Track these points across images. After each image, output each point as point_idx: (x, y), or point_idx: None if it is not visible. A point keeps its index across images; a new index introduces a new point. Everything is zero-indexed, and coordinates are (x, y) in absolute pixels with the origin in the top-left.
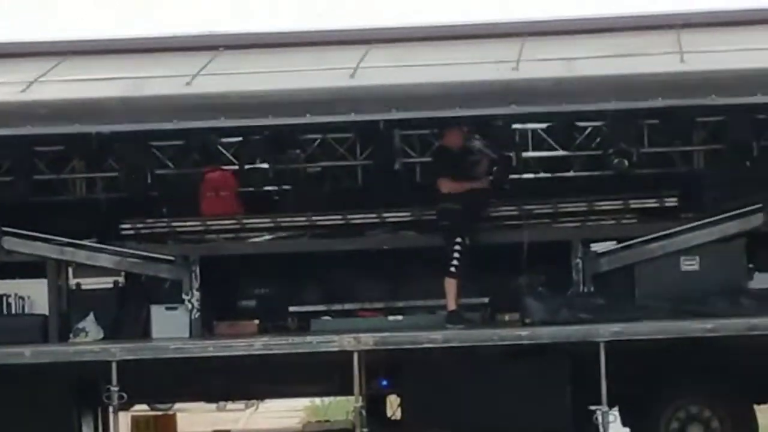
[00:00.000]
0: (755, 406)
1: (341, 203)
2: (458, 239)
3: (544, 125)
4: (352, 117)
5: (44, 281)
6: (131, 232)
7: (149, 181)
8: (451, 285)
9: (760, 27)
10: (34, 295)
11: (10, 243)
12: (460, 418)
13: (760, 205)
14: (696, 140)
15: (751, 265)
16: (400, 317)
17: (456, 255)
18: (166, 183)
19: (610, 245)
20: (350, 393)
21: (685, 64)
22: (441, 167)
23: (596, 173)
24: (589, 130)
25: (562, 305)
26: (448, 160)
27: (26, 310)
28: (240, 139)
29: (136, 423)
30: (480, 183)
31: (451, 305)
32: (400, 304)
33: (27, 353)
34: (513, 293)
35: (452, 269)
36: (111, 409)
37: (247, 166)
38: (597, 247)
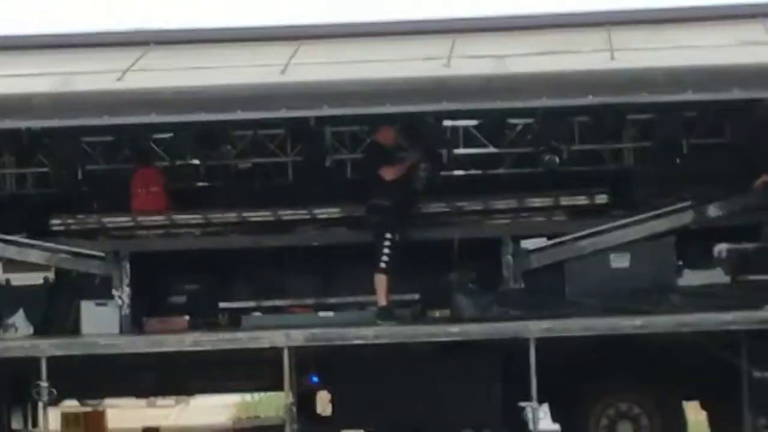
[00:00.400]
0: (685, 403)
1: (272, 199)
2: (388, 235)
3: (474, 122)
4: (283, 113)
5: None
6: (61, 227)
7: (79, 177)
8: (381, 281)
9: (690, 25)
10: None
11: None
12: (390, 415)
13: (689, 203)
14: (626, 138)
15: (680, 262)
16: (330, 313)
17: (386, 251)
18: (96, 179)
19: (540, 242)
20: (281, 389)
21: (616, 61)
22: (373, 164)
23: (527, 170)
24: (519, 127)
25: (492, 302)
26: (380, 157)
27: None
28: (171, 135)
29: (66, 419)
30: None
31: (382, 301)
32: (331, 300)
33: None
34: (443, 290)
35: (382, 265)
36: (40, 404)
37: (177, 162)
38: (527, 243)
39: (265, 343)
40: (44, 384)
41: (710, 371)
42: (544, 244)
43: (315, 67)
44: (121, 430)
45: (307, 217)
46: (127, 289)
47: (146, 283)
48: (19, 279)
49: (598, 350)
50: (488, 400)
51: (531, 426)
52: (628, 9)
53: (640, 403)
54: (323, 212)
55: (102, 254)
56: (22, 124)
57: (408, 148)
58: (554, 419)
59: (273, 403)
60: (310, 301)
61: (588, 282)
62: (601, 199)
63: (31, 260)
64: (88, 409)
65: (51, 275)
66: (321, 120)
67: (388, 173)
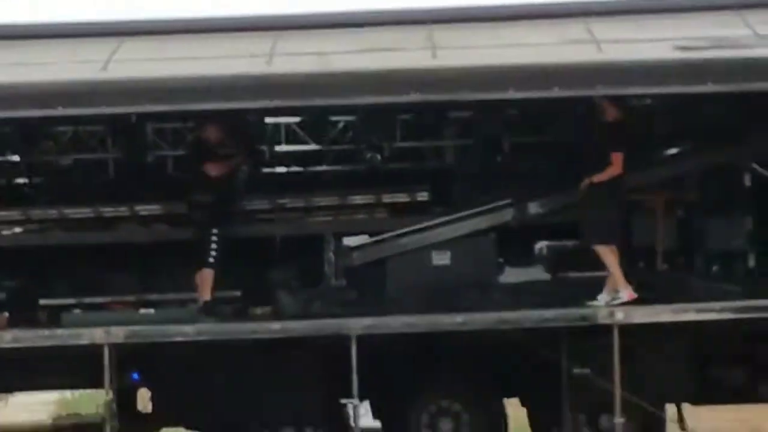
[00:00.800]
0: (505, 400)
1: (92, 196)
2: (214, 230)
3: (297, 119)
4: (104, 110)
5: None
6: None
7: None
8: (207, 276)
9: (513, 23)
10: None
11: None
12: (211, 412)
13: (510, 200)
14: (447, 135)
15: (501, 260)
16: (151, 310)
17: (213, 246)
18: None
19: (362, 239)
20: (101, 386)
21: (438, 59)
22: (197, 160)
23: (349, 168)
24: (341, 124)
25: (314, 299)
26: (204, 153)
27: None
28: None
29: None
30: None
31: (207, 296)
32: (152, 297)
33: None
34: (265, 287)
35: (210, 260)
36: None
37: None
38: (349, 241)
39: (84, 340)
40: None
41: (530, 368)
42: (365, 242)
43: (137, 63)
44: None
45: (128, 214)
46: None
47: None
48: None
49: (419, 347)
50: (309, 397)
51: (352, 423)
52: (450, 7)
53: (461, 400)
54: (144, 209)
55: None
56: None
57: (233, 145)
58: (375, 416)
59: (93, 400)
60: (130, 298)
61: (409, 279)
62: (423, 196)
63: None
64: None
65: None
66: (142, 117)
67: (214, 169)
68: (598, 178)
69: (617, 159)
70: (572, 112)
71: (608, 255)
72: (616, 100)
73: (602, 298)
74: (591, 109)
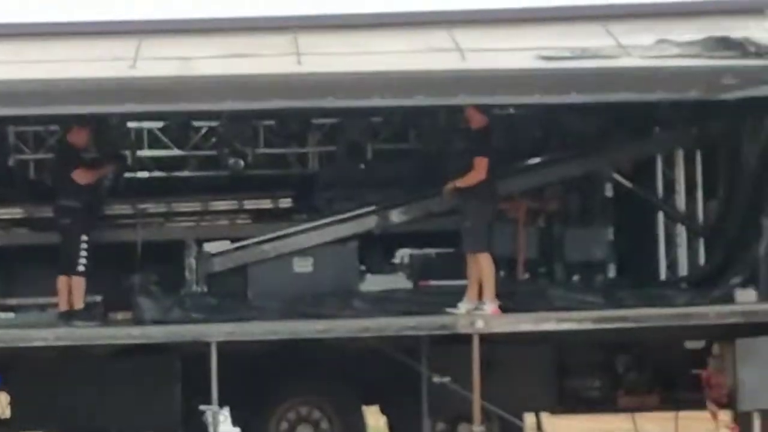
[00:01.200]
0: (365, 407)
1: None
2: (84, 237)
3: (159, 124)
4: None
5: None
6: None
7: None
8: (79, 283)
9: (378, 31)
10: None
11: None
12: (70, 417)
13: (372, 208)
14: (311, 142)
15: (363, 267)
16: (11, 315)
17: (83, 253)
18: None
19: (224, 245)
20: None
21: (302, 65)
22: (64, 164)
23: (211, 173)
24: (204, 129)
25: (174, 304)
26: (71, 158)
27: None
28: None
29: None
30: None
31: (79, 304)
32: (12, 301)
33: None
34: (126, 292)
35: (80, 268)
36: None
37: None
38: (211, 247)
39: None
40: None
41: (391, 376)
42: (227, 248)
43: None
44: None
45: None
46: None
47: None
48: None
49: (279, 354)
50: (168, 403)
51: (211, 429)
52: (316, 14)
53: (320, 407)
54: (5, 213)
55: None
56: None
57: (99, 150)
58: (235, 423)
59: None
60: None
61: (271, 286)
62: (285, 203)
63: None
64: None
65: None
66: (3, 119)
67: (84, 176)
68: (461, 183)
69: (481, 164)
70: (436, 120)
71: (486, 264)
72: (481, 107)
73: (462, 306)
74: (454, 117)
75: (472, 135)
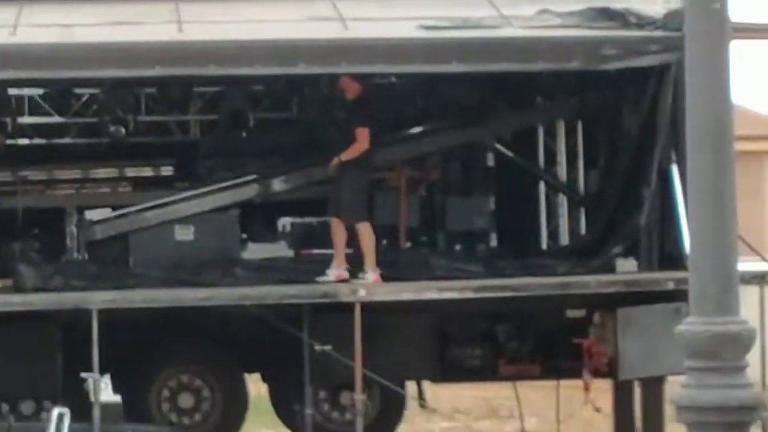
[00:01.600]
0: (246, 376)
1: None
2: None
3: (40, 91)
4: None
5: None
6: None
7: None
8: None
9: (260, 1)
10: None
11: None
12: None
13: (254, 176)
14: (193, 110)
15: (244, 236)
16: None
17: None
18: None
19: (105, 213)
20: None
21: (183, 33)
22: None
23: (92, 140)
24: (86, 97)
25: (55, 272)
26: None
27: None
28: None
29: None
30: None
31: None
32: None
33: None
34: (6, 259)
35: None
36: None
37: None
38: (92, 214)
39: None
40: None
41: (272, 344)
42: (108, 215)
43: None
44: None
45: None
46: None
47: None
48: None
49: (161, 322)
50: (48, 371)
51: (92, 397)
52: None
53: (202, 375)
54: None
55: None
56: None
57: None
58: (116, 391)
59: None
60: None
61: (152, 254)
62: (167, 171)
63: None
64: None
65: None
66: None
67: None
68: (345, 155)
69: (363, 134)
70: (318, 90)
71: (366, 233)
72: (358, 77)
73: (330, 272)
74: (336, 86)
75: (349, 105)
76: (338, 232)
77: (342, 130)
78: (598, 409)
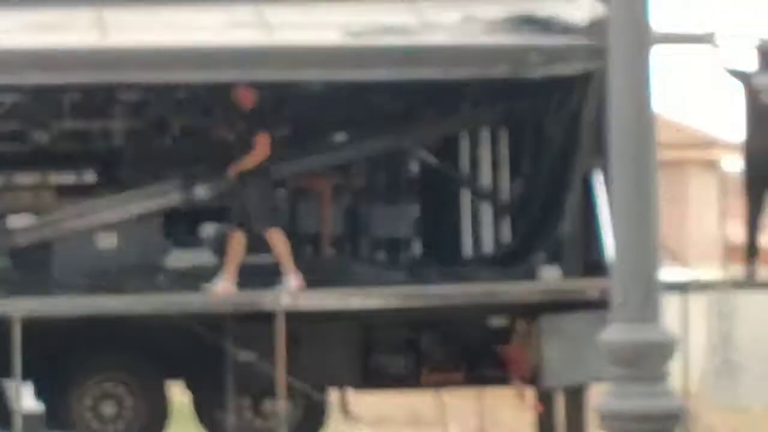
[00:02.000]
0: (169, 384)
1: None
2: None
3: None
4: None
5: None
6: None
7: None
8: None
9: (182, 6)
10: None
11: None
12: None
13: (177, 183)
14: (116, 116)
15: (168, 243)
16: None
17: None
18: None
19: (27, 220)
20: None
21: (106, 39)
22: None
23: (14, 147)
24: (8, 103)
25: None
26: None
27: None
28: None
29: None
30: None
31: None
32: None
33: None
34: None
35: None
36: None
37: None
38: (14, 221)
39: None
40: None
41: (196, 353)
42: (30, 223)
43: None
44: None
45: None
46: None
47: None
48: None
49: (83, 330)
50: None
51: (14, 405)
52: None
53: (124, 383)
54: None
55: None
56: None
57: None
58: (38, 399)
59: None
60: None
61: (75, 261)
62: (90, 178)
63: None
64: None
65: None
66: None
67: None
68: (243, 165)
69: (262, 141)
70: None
71: (279, 239)
72: (251, 86)
73: (219, 283)
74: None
75: (247, 115)
76: (236, 244)
77: (241, 140)
78: (540, 410)
